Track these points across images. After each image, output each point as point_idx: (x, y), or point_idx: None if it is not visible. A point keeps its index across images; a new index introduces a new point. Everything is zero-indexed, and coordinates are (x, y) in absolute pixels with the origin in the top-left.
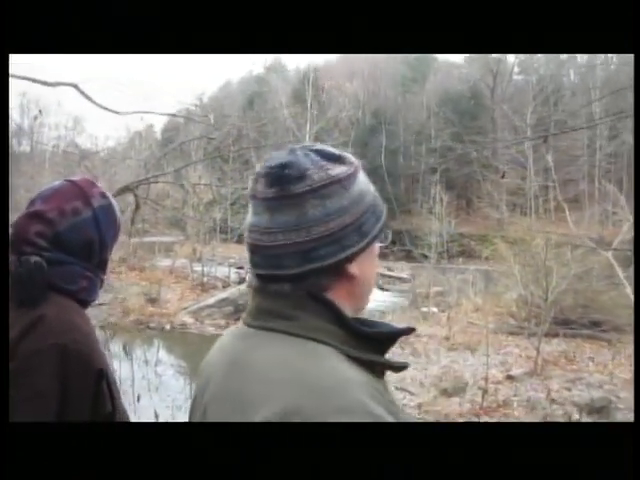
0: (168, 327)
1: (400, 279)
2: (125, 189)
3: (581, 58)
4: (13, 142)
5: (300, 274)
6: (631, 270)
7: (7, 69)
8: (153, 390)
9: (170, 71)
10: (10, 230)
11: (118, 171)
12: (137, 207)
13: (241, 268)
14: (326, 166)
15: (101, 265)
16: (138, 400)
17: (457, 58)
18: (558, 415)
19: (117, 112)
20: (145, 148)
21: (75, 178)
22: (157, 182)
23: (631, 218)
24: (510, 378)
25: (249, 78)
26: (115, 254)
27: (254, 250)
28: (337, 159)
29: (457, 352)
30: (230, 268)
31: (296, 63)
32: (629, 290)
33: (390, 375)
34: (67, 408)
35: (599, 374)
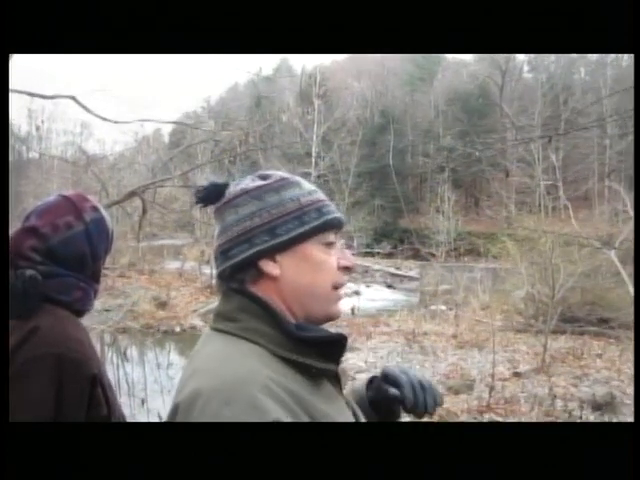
0: (178, 329)
1: (408, 277)
2: (132, 194)
3: (592, 55)
4: (22, 149)
5: (223, 271)
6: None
7: (7, 69)
8: (166, 393)
9: (176, 74)
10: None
11: (126, 175)
12: (144, 211)
13: None
14: (243, 183)
15: (94, 276)
16: (142, 404)
17: (465, 56)
18: (564, 411)
19: (115, 121)
20: (153, 152)
21: (68, 193)
22: (163, 186)
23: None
24: (517, 375)
25: (256, 79)
26: (124, 258)
27: None
28: (263, 178)
29: (464, 350)
30: None
31: (303, 63)
32: (630, 288)
33: None
34: (63, 414)
35: (606, 370)
